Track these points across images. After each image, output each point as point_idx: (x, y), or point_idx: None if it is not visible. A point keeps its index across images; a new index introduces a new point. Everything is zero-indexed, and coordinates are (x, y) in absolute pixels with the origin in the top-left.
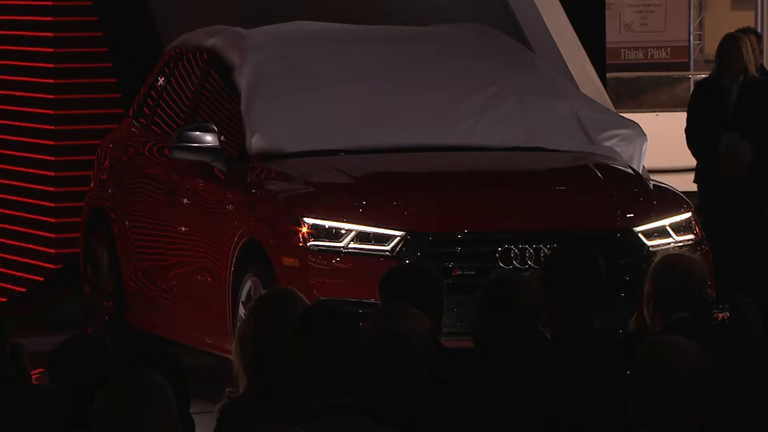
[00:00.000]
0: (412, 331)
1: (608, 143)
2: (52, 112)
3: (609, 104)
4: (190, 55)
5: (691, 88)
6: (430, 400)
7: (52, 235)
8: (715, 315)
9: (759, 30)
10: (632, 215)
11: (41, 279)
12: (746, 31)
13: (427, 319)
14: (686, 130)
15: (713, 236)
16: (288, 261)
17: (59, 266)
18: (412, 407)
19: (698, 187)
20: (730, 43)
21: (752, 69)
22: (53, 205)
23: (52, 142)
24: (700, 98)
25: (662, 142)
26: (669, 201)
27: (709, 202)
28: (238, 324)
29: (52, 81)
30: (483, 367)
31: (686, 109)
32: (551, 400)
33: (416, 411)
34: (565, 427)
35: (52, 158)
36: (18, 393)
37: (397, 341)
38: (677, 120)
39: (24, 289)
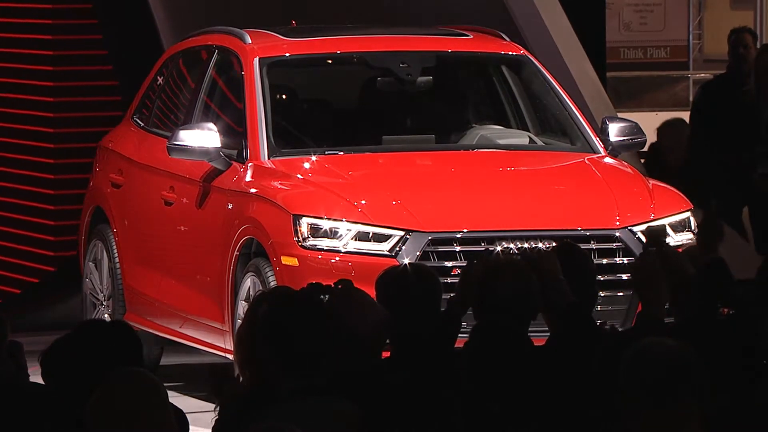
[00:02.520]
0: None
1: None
2: (51, 115)
3: (608, 104)
4: (189, 54)
5: (691, 88)
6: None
7: (51, 238)
8: (721, 310)
9: (758, 29)
10: (630, 214)
11: (37, 280)
12: (743, 30)
13: (376, 311)
14: (696, 133)
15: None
16: (287, 260)
17: (67, 253)
18: (374, 393)
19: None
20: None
21: None
22: (52, 208)
23: (52, 145)
24: (723, 107)
25: None
26: (668, 200)
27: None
28: (238, 323)
29: (50, 84)
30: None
31: (685, 108)
32: (542, 396)
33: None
34: (556, 424)
35: (51, 161)
36: (16, 392)
37: (338, 332)
38: None
39: (20, 291)
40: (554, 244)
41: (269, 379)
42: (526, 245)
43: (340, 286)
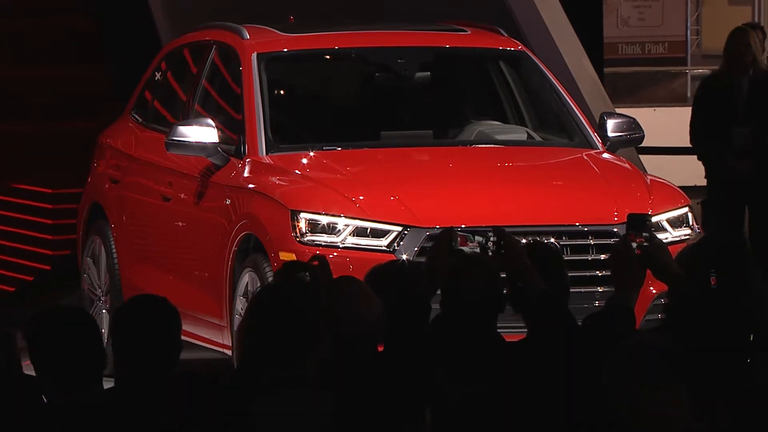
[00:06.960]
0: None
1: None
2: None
3: (606, 99)
4: (188, 50)
5: (689, 83)
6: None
7: (49, 232)
8: (711, 279)
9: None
10: (629, 209)
11: (34, 278)
12: (753, 26)
13: (371, 306)
14: (692, 125)
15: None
16: (285, 256)
17: (63, 251)
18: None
19: (708, 181)
20: (739, 37)
21: (762, 62)
22: (50, 207)
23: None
24: (709, 94)
25: (660, 137)
26: (666, 195)
27: (718, 196)
28: (236, 319)
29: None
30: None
31: (683, 104)
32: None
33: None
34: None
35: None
36: (8, 384)
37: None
38: (675, 115)
39: (13, 288)
40: (553, 239)
41: (251, 368)
42: (524, 241)
43: (315, 263)
